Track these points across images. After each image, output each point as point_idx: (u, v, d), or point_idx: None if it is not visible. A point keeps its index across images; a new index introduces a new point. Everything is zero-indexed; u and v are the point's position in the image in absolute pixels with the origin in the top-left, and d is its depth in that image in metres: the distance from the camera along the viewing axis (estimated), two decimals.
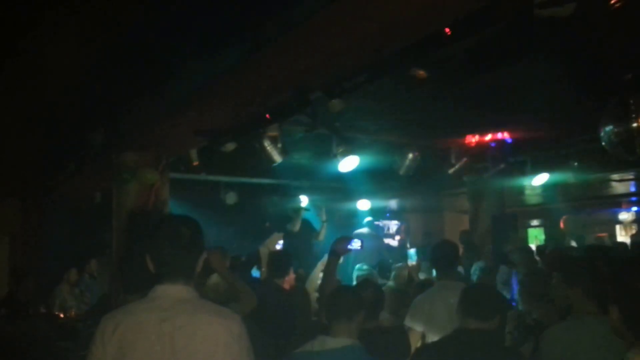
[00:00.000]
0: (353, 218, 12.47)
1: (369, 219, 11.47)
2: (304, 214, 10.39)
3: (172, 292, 2.51)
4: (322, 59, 4.44)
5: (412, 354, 3.96)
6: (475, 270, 7.65)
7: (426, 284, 5.56)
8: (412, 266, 6.92)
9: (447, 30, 3.56)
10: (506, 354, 3.45)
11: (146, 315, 2.45)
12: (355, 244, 4.84)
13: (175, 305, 2.47)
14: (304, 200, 11.22)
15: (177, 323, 2.42)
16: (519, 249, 8.27)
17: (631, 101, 5.87)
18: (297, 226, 9.87)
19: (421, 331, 4.52)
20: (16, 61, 5.51)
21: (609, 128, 6.08)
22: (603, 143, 6.23)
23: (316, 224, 10.54)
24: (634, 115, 5.87)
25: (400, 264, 7.48)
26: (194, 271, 2.59)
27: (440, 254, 4.91)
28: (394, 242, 14.01)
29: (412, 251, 6.96)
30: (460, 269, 7.06)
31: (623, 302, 2.10)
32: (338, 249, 4.60)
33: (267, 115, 5.63)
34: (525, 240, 14.38)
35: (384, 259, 7.74)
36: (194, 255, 2.59)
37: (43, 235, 9.60)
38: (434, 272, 5.96)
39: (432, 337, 4.28)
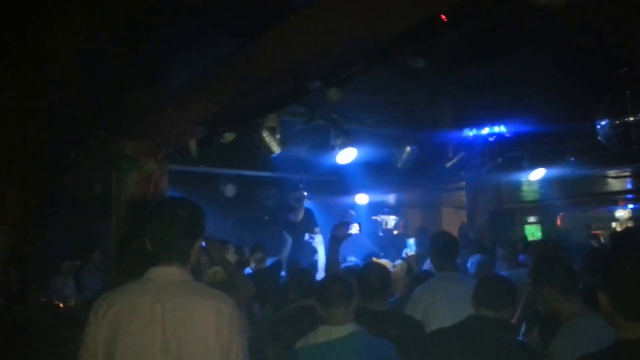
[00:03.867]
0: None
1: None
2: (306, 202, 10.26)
3: (166, 273, 2.52)
4: (319, 47, 4.46)
5: (425, 338, 3.98)
6: (472, 263, 7.68)
7: (424, 276, 5.55)
8: (411, 256, 6.92)
9: (443, 17, 3.60)
10: (517, 345, 3.44)
11: (139, 296, 2.47)
12: (354, 229, 4.91)
13: (169, 287, 2.48)
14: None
15: (169, 305, 2.43)
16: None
17: (627, 95, 5.92)
18: (300, 215, 9.74)
19: (420, 321, 4.55)
20: (21, 47, 5.54)
21: (605, 122, 6.12)
22: (599, 137, 6.27)
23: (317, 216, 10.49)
24: (630, 109, 5.92)
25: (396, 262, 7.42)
26: (190, 254, 2.59)
27: (440, 245, 4.89)
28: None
29: (411, 241, 6.92)
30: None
31: (611, 288, 2.15)
32: (338, 234, 4.76)
33: (266, 104, 5.66)
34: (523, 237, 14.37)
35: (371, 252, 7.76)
36: (190, 238, 2.59)
37: (44, 226, 9.61)
38: (428, 264, 5.98)
39: (432, 328, 4.25)
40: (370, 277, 3.97)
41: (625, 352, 2.08)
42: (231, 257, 5.40)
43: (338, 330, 3.23)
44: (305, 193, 9.92)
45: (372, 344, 3.24)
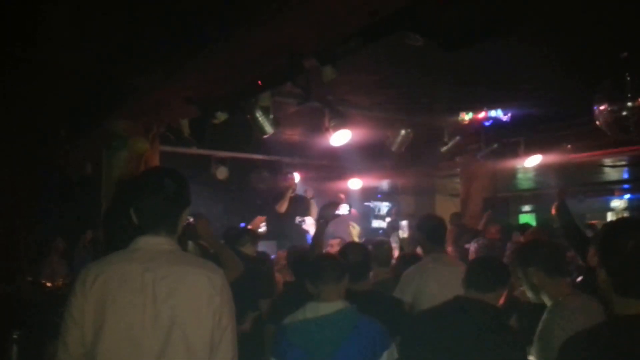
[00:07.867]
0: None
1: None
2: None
3: (154, 243, 2.47)
4: (315, 23, 4.39)
5: (412, 318, 3.93)
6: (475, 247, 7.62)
7: (412, 258, 5.49)
8: (404, 238, 6.87)
9: None
10: (499, 328, 3.28)
11: (128, 265, 2.41)
12: (343, 209, 4.86)
13: (157, 256, 2.44)
14: (295, 178, 11.14)
15: (159, 273, 2.38)
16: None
17: (627, 80, 5.85)
18: (283, 207, 9.76)
19: (410, 302, 4.51)
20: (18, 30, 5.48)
21: (603, 107, 6.06)
22: (597, 122, 6.21)
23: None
24: (629, 94, 5.86)
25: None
26: (177, 224, 2.56)
27: (430, 227, 4.86)
28: (382, 224, 13.93)
29: (403, 223, 6.87)
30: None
31: (610, 263, 2.14)
32: (326, 214, 4.73)
33: (259, 82, 5.57)
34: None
35: None
36: (178, 207, 2.55)
37: (35, 205, 9.54)
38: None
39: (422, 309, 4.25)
40: (349, 257, 3.96)
41: (620, 327, 2.08)
42: None
43: (327, 306, 3.23)
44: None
45: (360, 322, 3.23)
